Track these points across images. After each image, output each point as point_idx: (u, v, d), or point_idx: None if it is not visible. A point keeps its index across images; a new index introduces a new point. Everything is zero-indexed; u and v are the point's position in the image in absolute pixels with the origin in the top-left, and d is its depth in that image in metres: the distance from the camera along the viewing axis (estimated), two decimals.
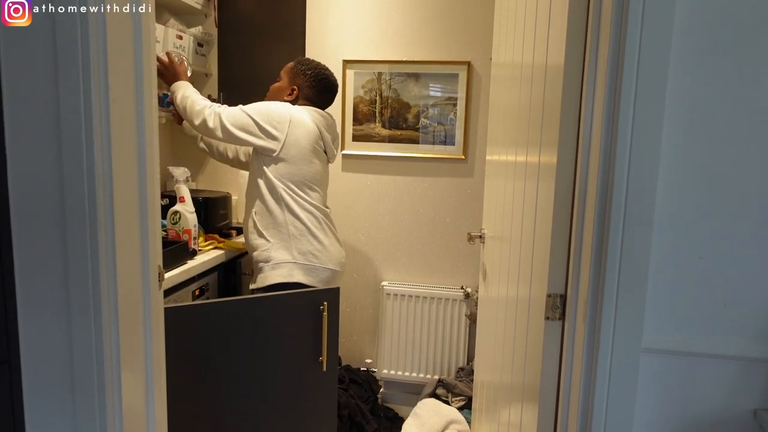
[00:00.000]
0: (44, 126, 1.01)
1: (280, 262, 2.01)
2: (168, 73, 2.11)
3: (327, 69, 2.20)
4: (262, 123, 1.98)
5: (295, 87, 2.15)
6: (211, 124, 1.98)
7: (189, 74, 2.19)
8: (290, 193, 2.02)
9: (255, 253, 2.06)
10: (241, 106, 2.02)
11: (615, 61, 0.97)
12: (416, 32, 2.65)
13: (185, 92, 2.05)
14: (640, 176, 0.97)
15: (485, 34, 2.55)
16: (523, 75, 1.52)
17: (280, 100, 2.12)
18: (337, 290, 1.83)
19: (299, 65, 2.17)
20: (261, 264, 2.03)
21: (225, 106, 2.04)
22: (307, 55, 2.65)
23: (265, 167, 2.01)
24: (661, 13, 0.93)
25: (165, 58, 2.10)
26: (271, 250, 2.01)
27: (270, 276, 2.01)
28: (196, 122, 2.00)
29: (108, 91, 1.02)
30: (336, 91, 2.23)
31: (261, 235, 2.03)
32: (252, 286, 2.09)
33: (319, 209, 2.08)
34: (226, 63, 2.61)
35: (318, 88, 2.16)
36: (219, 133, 1.98)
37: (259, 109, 2.02)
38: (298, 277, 2.01)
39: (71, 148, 1.01)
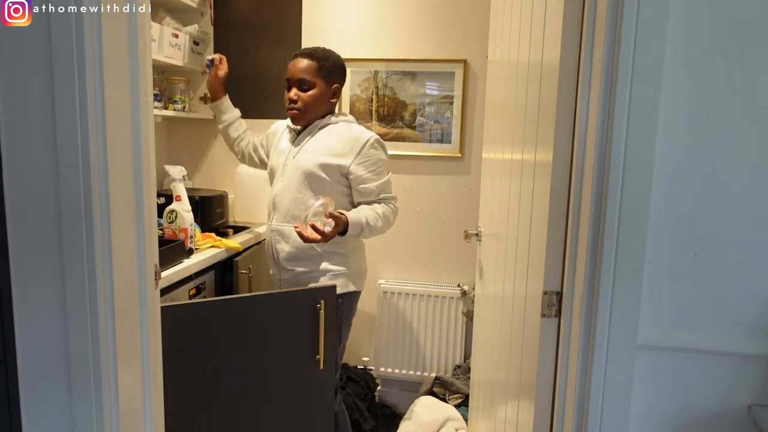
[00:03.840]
0: (40, 125, 1.01)
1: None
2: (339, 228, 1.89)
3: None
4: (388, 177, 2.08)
5: (336, 85, 2.04)
6: (395, 217, 2.10)
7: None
8: None
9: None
10: (386, 177, 2.05)
11: (610, 58, 0.97)
12: (412, 30, 2.65)
13: (368, 225, 1.95)
14: (636, 174, 0.97)
15: (481, 32, 2.54)
16: (519, 73, 1.52)
17: (325, 105, 2.03)
18: (333, 288, 1.84)
19: (326, 60, 2.01)
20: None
21: (391, 194, 2.07)
22: None
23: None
24: (656, 11, 0.94)
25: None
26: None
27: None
28: (387, 229, 2.07)
29: (103, 89, 1.02)
30: None
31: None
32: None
33: None
34: None
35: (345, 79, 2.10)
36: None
37: (386, 166, 2.06)
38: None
39: (67, 147, 1.01)
